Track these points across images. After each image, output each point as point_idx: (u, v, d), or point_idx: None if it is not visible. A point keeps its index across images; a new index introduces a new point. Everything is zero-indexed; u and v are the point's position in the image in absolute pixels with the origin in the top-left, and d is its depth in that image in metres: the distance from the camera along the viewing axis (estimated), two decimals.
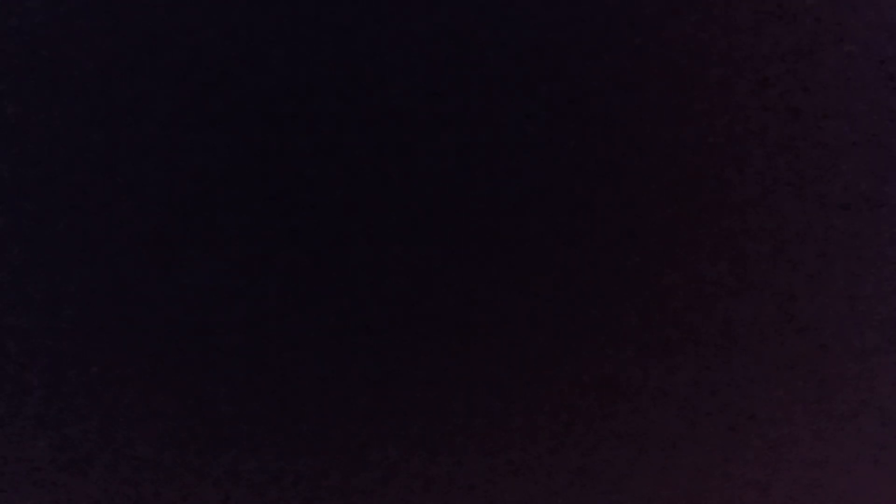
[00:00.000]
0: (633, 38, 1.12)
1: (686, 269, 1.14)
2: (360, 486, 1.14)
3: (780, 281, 1.14)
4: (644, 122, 1.13)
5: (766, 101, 1.14)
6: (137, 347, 1.12)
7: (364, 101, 1.12)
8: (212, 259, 1.12)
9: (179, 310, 1.12)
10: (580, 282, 1.13)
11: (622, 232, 1.13)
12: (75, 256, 1.11)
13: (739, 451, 1.16)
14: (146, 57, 1.11)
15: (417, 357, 1.13)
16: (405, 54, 1.12)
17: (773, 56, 1.14)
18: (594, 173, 1.13)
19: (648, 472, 1.15)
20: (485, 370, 1.14)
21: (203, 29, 1.11)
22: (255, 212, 1.12)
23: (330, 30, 1.12)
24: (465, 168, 1.12)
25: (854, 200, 1.14)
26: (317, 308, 1.13)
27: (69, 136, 1.11)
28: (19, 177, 1.11)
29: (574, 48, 1.12)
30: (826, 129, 1.14)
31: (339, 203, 1.12)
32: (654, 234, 1.13)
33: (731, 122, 1.13)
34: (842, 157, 1.14)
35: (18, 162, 1.11)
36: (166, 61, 1.11)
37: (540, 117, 1.12)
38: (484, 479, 1.15)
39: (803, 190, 1.14)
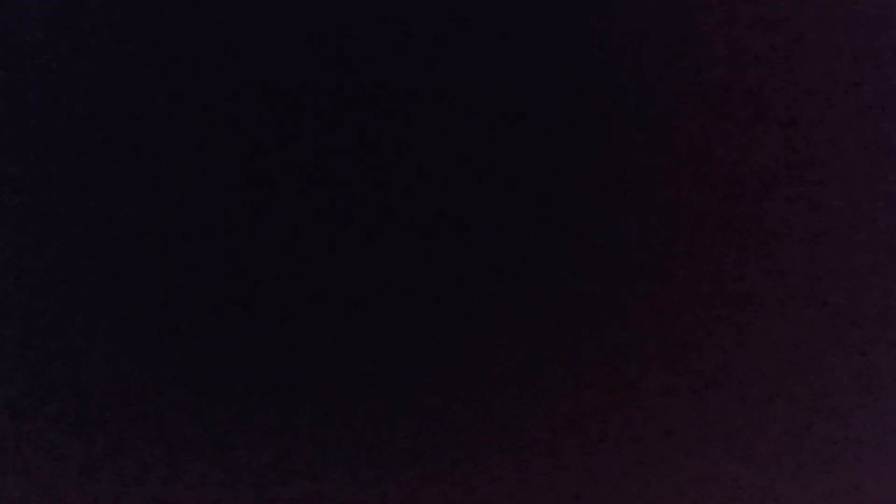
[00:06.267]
0: (634, 38, 1.12)
1: (689, 270, 1.13)
2: (359, 486, 1.14)
3: (781, 281, 1.14)
4: (644, 121, 1.13)
5: (766, 102, 1.13)
6: (135, 346, 1.12)
7: (365, 101, 1.11)
8: (211, 259, 1.11)
9: (178, 309, 1.12)
10: (583, 281, 1.13)
11: (626, 232, 1.13)
12: (75, 256, 1.11)
13: (743, 452, 1.16)
14: (143, 55, 1.11)
15: (416, 357, 1.13)
16: (404, 54, 1.11)
17: (773, 56, 1.13)
18: (596, 172, 1.12)
19: (651, 473, 1.15)
20: (485, 370, 1.13)
21: (202, 28, 1.10)
22: (255, 211, 1.12)
23: (330, 29, 1.11)
24: (465, 167, 1.12)
25: (855, 201, 1.14)
26: (316, 307, 1.12)
27: (68, 136, 1.11)
28: (18, 176, 1.10)
29: (575, 46, 1.12)
30: (825, 130, 1.14)
31: (340, 202, 1.12)
32: (656, 234, 1.13)
33: (730, 122, 1.13)
34: (841, 157, 1.14)
35: (17, 162, 1.10)
36: (164, 59, 1.11)
37: (541, 116, 1.12)
38: (484, 480, 1.14)
39: (804, 190, 1.14)
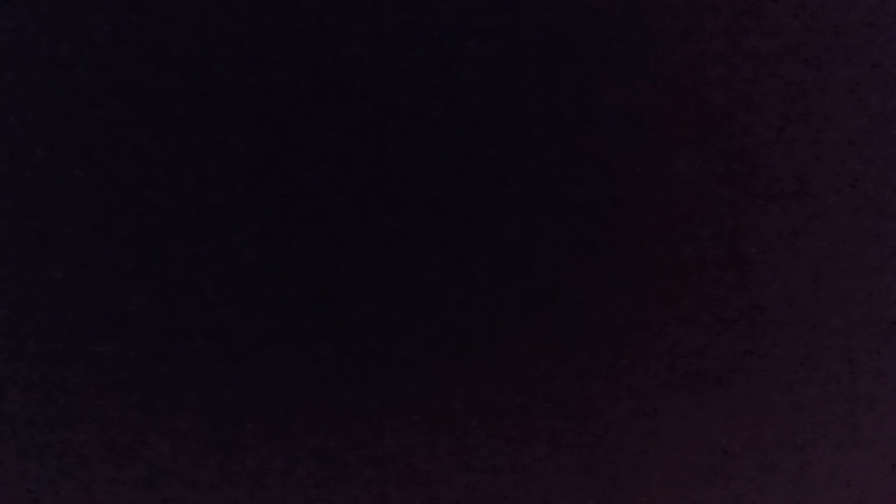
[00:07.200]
0: (633, 37, 1.12)
1: (688, 271, 1.13)
2: (359, 485, 1.14)
3: (780, 281, 1.14)
4: (644, 122, 1.13)
5: (764, 102, 1.13)
6: (135, 347, 1.12)
7: (365, 101, 1.12)
8: (211, 259, 1.12)
9: (178, 310, 1.12)
10: (583, 281, 1.13)
11: (625, 232, 1.13)
12: (75, 256, 1.11)
13: (744, 453, 1.16)
14: (143, 57, 1.11)
15: (418, 356, 1.13)
16: (404, 54, 1.11)
17: (774, 56, 1.13)
18: (594, 173, 1.13)
19: (652, 473, 1.15)
20: (485, 370, 1.14)
21: (200, 28, 1.11)
22: (254, 212, 1.12)
23: (328, 30, 1.11)
24: (465, 167, 1.12)
25: (856, 203, 1.14)
26: (316, 308, 1.12)
27: (68, 137, 1.11)
28: (18, 177, 1.11)
29: (575, 46, 1.12)
30: (825, 131, 1.14)
31: (340, 202, 1.12)
32: (656, 234, 1.13)
33: (730, 122, 1.13)
34: (841, 159, 1.14)
35: (18, 162, 1.11)
36: (163, 61, 1.11)
37: (541, 115, 1.12)
38: (484, 480, 1.14)
39: (804, 190, 1.14)
